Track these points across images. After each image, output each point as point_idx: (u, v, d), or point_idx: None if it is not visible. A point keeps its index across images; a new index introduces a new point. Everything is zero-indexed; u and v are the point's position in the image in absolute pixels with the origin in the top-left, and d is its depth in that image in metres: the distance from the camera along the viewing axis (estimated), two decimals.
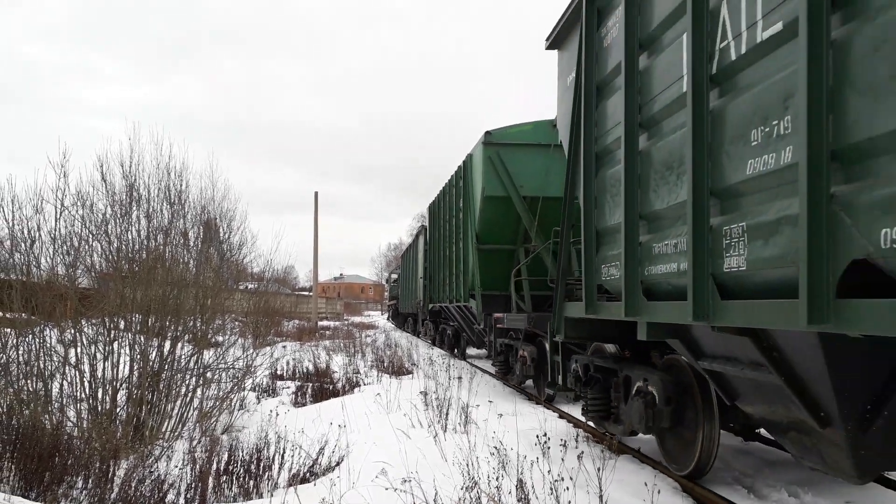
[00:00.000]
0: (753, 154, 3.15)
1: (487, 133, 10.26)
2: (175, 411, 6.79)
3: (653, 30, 4.31)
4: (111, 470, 4.75)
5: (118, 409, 6.25)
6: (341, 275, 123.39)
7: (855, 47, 2.52)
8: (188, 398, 6.98)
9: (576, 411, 7.78)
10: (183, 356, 7.02)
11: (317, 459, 5.36)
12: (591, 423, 6.65)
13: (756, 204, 3.19)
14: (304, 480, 5.06)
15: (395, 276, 37.65)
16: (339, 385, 10.36)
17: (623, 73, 4.56)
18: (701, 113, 3.56)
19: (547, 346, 7.32)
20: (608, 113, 5.07)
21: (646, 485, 4.48)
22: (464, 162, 11.98)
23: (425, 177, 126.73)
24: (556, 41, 6.34)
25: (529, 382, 9.91)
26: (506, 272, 10.18)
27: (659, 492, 4.35)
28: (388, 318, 48.20)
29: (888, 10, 2.37)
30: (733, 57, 3.38)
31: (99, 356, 6.29)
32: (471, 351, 16.72)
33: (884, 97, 2.36)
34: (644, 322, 4.33)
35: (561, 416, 8.03)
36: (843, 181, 2.60)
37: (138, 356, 6.48)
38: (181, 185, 7.57)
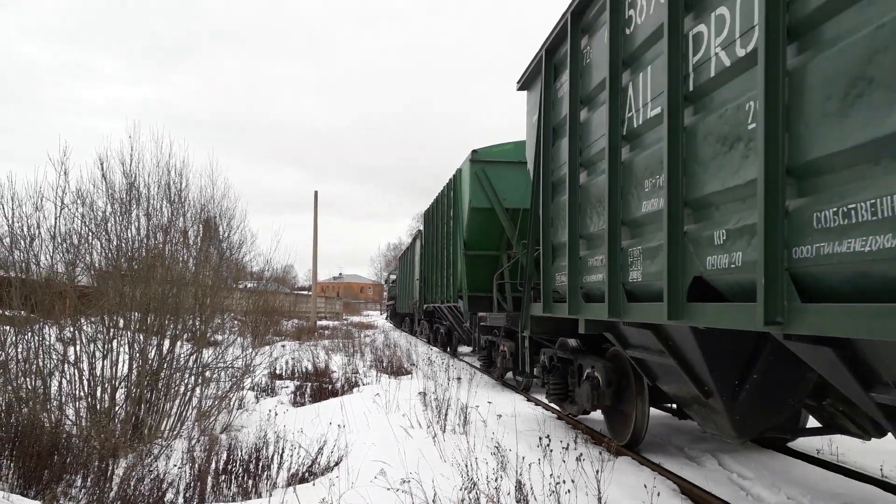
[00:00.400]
0: (646, 197, 4.42)
1: (474, 151, 11.44)
2: (174, 410, 6.79)
3: (589, 91, 5.52)
4: (110, 468, 4.75)
5: (117, 408, 6.24)
6: (340, 274, 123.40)
7: (699, 132, 3.76)
8: (187, 397, 6.97)
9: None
10: (182, 355, 7.02)
11: (316, 459, 5.35)
12: (552, 405, 7.94)
13: (648, 233, 4.47)
14: (303, 480, 5.05)
15: (393, 277, 39.67)
16: (338, 385, 10.36)
17: (568, 122, 5.79)
18: (615, 163, 4.85)
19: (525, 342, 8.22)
20: (560, 152, 6.23)
21: (645, 487, 4.48)
22: (454, 176, 13.16)
23: (425, 176, 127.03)
24: (524, 84, 7.47)
25: (523, 378, 10.23)
26: (490, 275, 10.99)
27: (658, 494, 4.35)
28: (386, 318, 49.76)
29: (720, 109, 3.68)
30: (635, 125, 4.62)
31: (98, 354, 6.28)
32: (463, 349, 17.69)
33: (704, 169, 3.71)
34: (583, 319, 5.52)
35: (559, 418, 8.03)
36: (692, 223, 3.87)
37: (137, 354, 6.48)
38: (181, 184, 7.57)
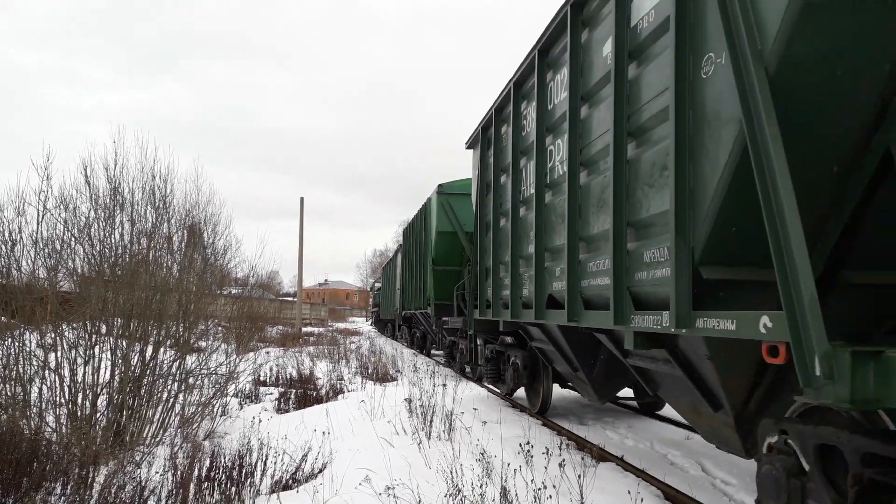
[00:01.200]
0: (528, 243, 6.74)
1: (440, 185, 13.88)
2: (157, 417, 6.73)
3: (506, 164, 7.63)
4: (91, 476, 4.69)
5: (98, 415, 6.18)
6: (326, 281, 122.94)
7: (588, 190, 5.20)
8: (170, 403, 6.91)
9: (556, 419, 7.86)
10: (165, 361, 6.96)
11: (300, 466, 5.33)
12: (488, 385, 11.18)
13: (530, 266, 6.57)
14: (286, 487, 5.03)
15: (378, 285, 41.63)
16: (323, 391, 10.32)
17: (492, 185, 8.20)
18: (516, 217, 7.22)
19: (477, 339, 10.92)
20: (488, 201, 8.50)
21: (629, 493, 4.50)
22: (424, 204, 15.73)
23: (411, 184, 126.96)
24: (471, 145, 9.66)
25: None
26: (453, 287, 13.32)
27: (642, 500, 4.37)
28: (371, 324, 50.86)
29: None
30: (555, 176, 6.00)
31: (79, 360, 6.21)
32: (436, 353, 20.04)
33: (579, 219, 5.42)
34: (501, 321, 7.93)
35: (545, 425, 8.06)
36: (550, 260, 6.15)
37: (120, 361, 6.42)
38: (166, 189, 7.53)
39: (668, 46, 3.74)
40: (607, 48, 4.69)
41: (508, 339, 8.99)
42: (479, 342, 10.59)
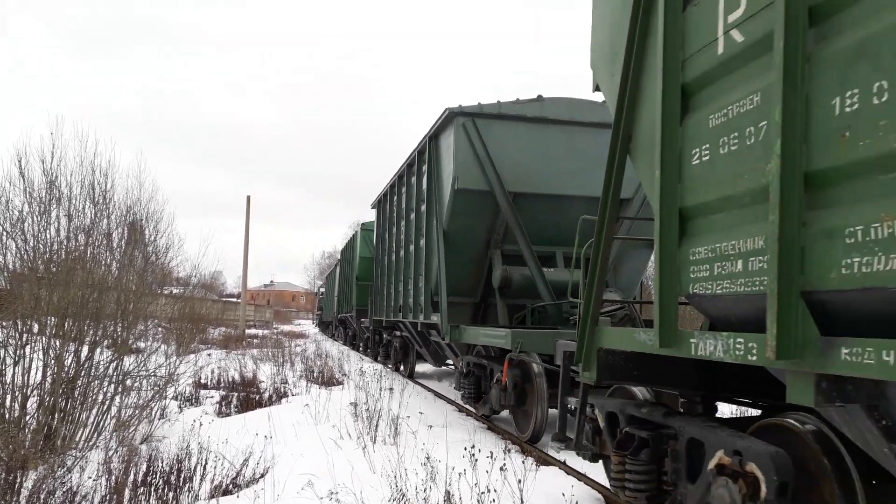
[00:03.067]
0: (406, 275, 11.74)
1: (363, 224, 20.12)
2: (91, 420, 6.48)
3: (388, 225, 13.10)
4: (18, 481, 4.50)
5: (28, 417, 5.92)
6: (272, 282, 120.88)
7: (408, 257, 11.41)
8: (105, 406, 6.68)
9: (502, 424, 7.92)
10: (101, 362, 6.72)
11: (240, 471, 5.22)
12: (380, 361, 15.42)
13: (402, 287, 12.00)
14: (226, 492, 4.92)
15: (323, 290, 45.67)
16: (266, 395, 10.14)
17: (385, 237, 13.42)
18: (398, 259, 11.71)
19: (379, 332, 16.87)
20: (382, 245, 13.92)
21: (563, 495, 4.57)
22: (353, 235, 22.47)
23: (361, 184, 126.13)
24: (374, 206, 14.68)
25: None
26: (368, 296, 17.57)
27: (577, 502, 4.45)
28: (315, 325, 54.93)
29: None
30: (401, 242, 11.50)
31: (9, 360, 5.94)
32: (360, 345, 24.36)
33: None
34: (383, 319, 13.32)
35: (490, 429, 8.11)
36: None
37: (52, 361, 6.17)
38: (106, 184, 7.28)
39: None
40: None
41: (397, 333, 13.63)
42: (377, 334, 16.96)
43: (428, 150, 9.02)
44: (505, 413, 7.87)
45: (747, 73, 2.68)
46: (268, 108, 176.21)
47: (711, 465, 3.10)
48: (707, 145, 2.90)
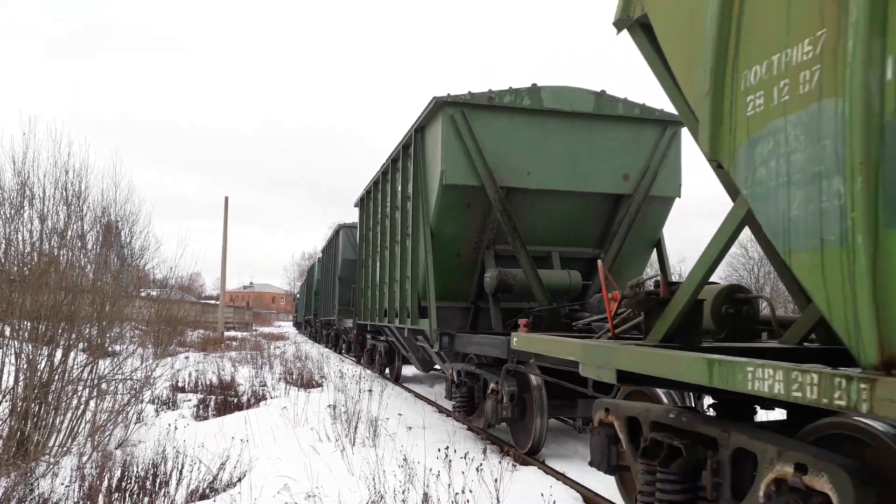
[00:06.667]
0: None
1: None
2: (65, 425, 6.39)
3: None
4: None
5: (0, 423, 5.82)
6: (251, 283, 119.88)
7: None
8: (80, 411, 6.59)
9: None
10: (76, 366, 6.63)
11: (217, 475, 5.18)
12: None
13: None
14: (203, 497, 4.88)
15: (300, 291, 47.03)
16: (245, 398, 10.06)
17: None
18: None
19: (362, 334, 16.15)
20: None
21: (542, 495, 4.60)
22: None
23: (342, 185, 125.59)
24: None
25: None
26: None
27: (555, 502, 4.47)
28: (293, 326, 55.76)
29: None
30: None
31: None
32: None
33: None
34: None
35: (469, 429, 8.13)
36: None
37: (25, 366, 6.07)
38: (80, 186, 7.19)
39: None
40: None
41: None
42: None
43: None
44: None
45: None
46: (246, 111, 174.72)
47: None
48: None
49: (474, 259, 7.97)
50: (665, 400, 4.45)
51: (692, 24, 2.94)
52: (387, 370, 14.04)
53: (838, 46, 2.13)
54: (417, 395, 11.37)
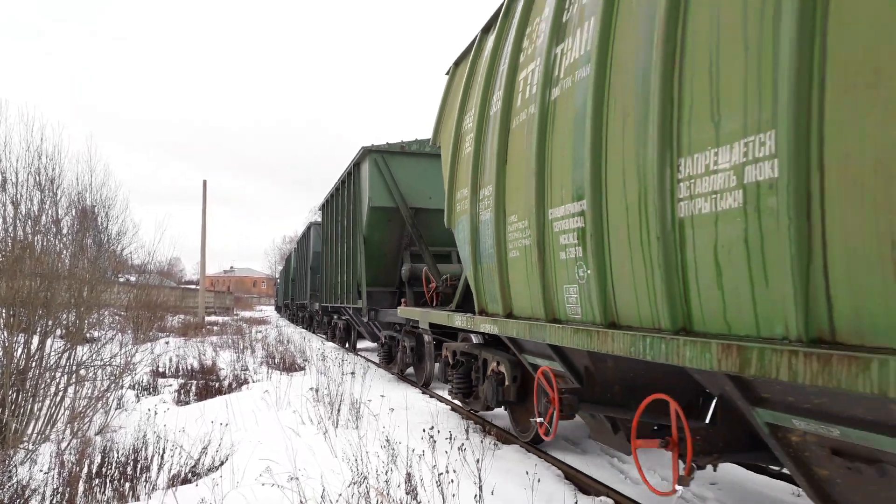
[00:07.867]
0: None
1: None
2: (43, 412, 6.32)
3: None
4: None
5: None
6: (232, 268, 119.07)
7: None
8: (58, 397, 6.52)
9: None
10: (54, 353, 6.55)
11: (199, 459, 5.17)
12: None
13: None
14: (185, 481, 4.87)
15: (279, 277, 51.22)
16: (226, 382, 10.02)
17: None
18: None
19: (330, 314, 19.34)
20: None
21: (527, 473, 4.65)
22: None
23: (321, 169, 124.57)
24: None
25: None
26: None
27: (539, 480, 4.53)
28: (274, 309, 58.23)
29: None
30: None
31: None
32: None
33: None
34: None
35: (453, 409, 8.18)
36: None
37: (1, 353, 5.98)
38: (54, 170, 7.06)
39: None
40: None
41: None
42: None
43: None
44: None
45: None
46: (228, 99, 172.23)
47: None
48: None
49: (396, 256, 11.11)
50: (474, 340, 6.96)
51: (447, 159, 6.31)
52: (346, 343, 17.38)
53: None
54: (367, 360, 14.21)
